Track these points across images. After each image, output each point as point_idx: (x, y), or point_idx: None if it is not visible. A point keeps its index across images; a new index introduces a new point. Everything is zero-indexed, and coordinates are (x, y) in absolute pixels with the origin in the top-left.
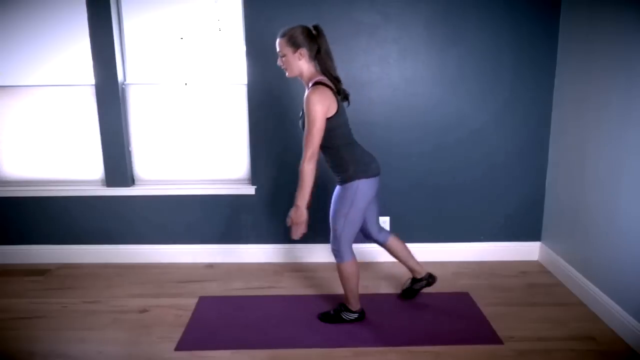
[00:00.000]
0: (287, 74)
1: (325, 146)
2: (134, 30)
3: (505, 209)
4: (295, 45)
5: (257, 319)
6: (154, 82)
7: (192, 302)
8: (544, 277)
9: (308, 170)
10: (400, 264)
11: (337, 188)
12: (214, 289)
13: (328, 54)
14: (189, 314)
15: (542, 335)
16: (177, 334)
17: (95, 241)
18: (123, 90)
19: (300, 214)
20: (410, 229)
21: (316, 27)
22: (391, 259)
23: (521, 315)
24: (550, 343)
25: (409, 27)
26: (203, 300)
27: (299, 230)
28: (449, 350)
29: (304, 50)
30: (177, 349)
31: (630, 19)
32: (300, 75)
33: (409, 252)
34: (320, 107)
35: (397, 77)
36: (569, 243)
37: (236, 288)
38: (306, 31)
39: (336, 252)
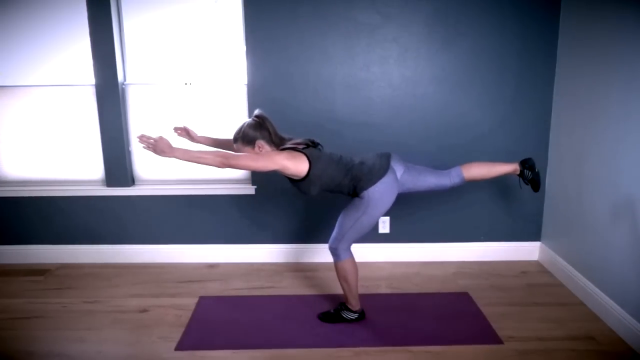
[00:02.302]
0: None
1: (332, 188)
2: (134, 30)
3: (505, 209)
4: (251, 142)
5: (257, 319)
6: (154, 82)
7: (192, 302)
8: (544, 277)
9: (213, 158)
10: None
11: (353, 201)
12: (214, 289)
13: (276, 133)
14: (189, 314)
15: (542, 335)
16: (177, 334)
17: (95, 241)
18: (123, 90)
19: (166, 151)
20: (411, 229)
21: (258, 116)
22: (391, 259)
23: (521, 315)
24: (550, 343)
25: (409, 26)
26: (203, 300)
27: (147, 144)
28: (449, 350)
29: (260, 142)
30: (177, 349)
31: (630, 18)
32: None
33: (488, 164)
34: (274, 162)
35: (397, 77)
36: (569, 243)
37: (236, 288)
38: (253, 124)
39: (333, 251)
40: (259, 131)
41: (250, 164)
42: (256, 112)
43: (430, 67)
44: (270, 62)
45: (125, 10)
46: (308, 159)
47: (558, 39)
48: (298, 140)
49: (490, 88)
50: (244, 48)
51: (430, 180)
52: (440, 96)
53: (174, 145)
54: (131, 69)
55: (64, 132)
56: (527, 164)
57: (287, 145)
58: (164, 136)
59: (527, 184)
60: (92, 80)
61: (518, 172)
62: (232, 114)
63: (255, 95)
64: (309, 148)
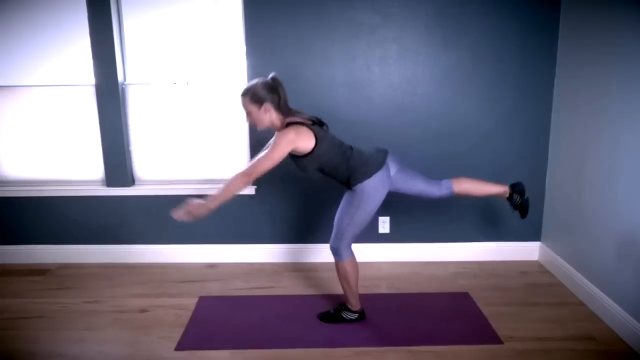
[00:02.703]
0: (257, 127)
1: (328, 171)
2: (134, 30)
3: (506, 209)
4: (259, 101)
5: (257, 319)
6: (154, 82)
7: (192, 302)
8: (544, 277)
9: (236, 184)
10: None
11: (347, 192)
12: (214, 289)
13: (285, 102)
14: (189, 314)
15: (542, 335)
16: (177, 334)
17: (95, 241)
18: (123, 90)
19: (202, 211)
20: (411, 229)
21: (273, 78)
22: (391, 259)
23: (521, 315)
24: (550, 343)
25: (409, 27)
26: (203, 300)
27: (185, 217)
28: (449, 350)
29: (268, 104)
30: (177, 349)
31: (630, 19)
32: (271, 125)
33: (478, 184)
34: (286, 144)
35: (397, 77)
36: (569, 243)
37: (236, 288)
38: (266, 85)
39: (335, 250)
40: (270, 93)
41: (269, 164)
42: (272, 74)
43: (430, 67)
44: (270, 62)
45: (125, 10)
46: (315, 136)
47: (558, 39)
48: (306, 116)
49: (490, 88)
50: (244, 48)
51: (420, 185)
52: (440, 96)
53: (200, 205)
54: (131, 69)
55: (64, 132)
56: (516, 188)
57: (294, 120)
58: (190, 200)
59: (515, 209)
60: (92, 80)
61: (507, 196)
62: (232, 114)
63: None
64: (315, 125)
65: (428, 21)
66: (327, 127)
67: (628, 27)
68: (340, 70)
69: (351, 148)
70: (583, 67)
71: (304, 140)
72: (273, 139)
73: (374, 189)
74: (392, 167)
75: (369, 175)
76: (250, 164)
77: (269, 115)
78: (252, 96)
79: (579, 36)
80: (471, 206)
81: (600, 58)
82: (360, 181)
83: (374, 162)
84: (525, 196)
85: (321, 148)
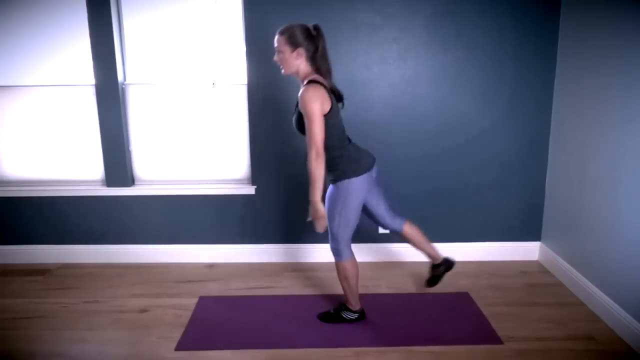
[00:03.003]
0: (282, 71)
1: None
2: (134, 30)
3: (506, 209)
4: (294, 44)
5: (257, 319)
6: (154, 82)
7: (192, 302)
8: (544, 277)
9: (315, 167)
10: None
11: (330, 187)
12: (214, 289)
13: (324, 55)
14: (189, 314)
15: (542, 335)
16: (177, 334)
17: (95, 241)
18: (123, 90)
19: (315, 209)
20: None
21: (316, 27)
22: (391, 259)
23: (521, 315)
24: (550, 343)
25: (409, 27)
26: (203, 300)
27: (320, 224)
28: (449, 350)
29: (301, 50)
30: (177, 349)
31: (629, 19)
32: (296, 73)
33: (424, 238)
34: (316, 104)
35: (397, 77)
36: (569, 243)
37: (236, 288)
38: (306, 31)
39: (335, 251)
40: (307, 41)
41: (321, 131)
42: (316, 24)
43: (430, 68)
44: (270, 62)
45: (125, 11)
46: (331, 105)
47: (558, 39)
48: (330, 83)
49: (490, 88)
50: (244, 48)
51: (381, 207)
52: (440, 96)
53: (311, 208)
54: (131, 69)
55: (64, 132)
56: (448, 263)
57: (319, 79)
58: (311, 214)
59: (429, 274)
60: (92, 80)
61: (436, 262)
62: (232, 114)
63: (255, 95)
64: (334, 96)
65: (428, 21)
66: (342, 105)
67: (628, 27)
68: (341, 70)
69: (349, 140)
70: (583, 67)
71: (323, 104)
72: (300, 103)
73: (359, 188)
74: (373, 174)
75: (358, 173)
76: (309, 146)
77: (299, 62)
78: (288, 37)
79: (578, 36)
80: (471, 206)
81: (600, 58)
82: (348, 177)
83: (365, 163)
84: (444, 273)
85: (329, 120)
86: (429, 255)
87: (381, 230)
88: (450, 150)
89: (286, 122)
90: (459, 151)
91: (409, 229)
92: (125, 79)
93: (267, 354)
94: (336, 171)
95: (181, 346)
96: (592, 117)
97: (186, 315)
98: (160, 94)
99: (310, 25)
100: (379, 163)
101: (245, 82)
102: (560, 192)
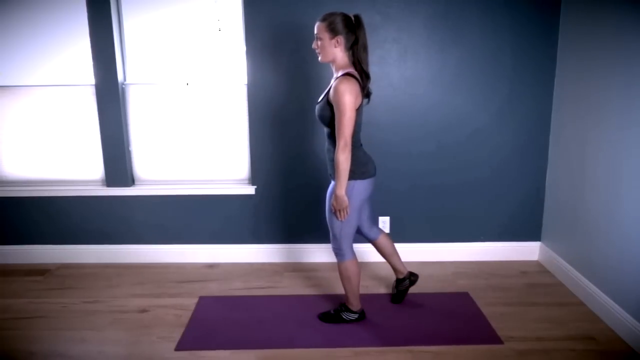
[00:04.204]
0: (319, 58)
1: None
2: (134, 30)
3: (505, 209)
4: (333, 32)
5: (257, 319)
6: (154, 82)
7: (192, 302)
8: (544, 277)
9: (343, 159)
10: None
11: (332, 184)
12: (214, 289)
13: (365, 47)
14: (189, 314)
15: (542, 335)
16: (177, 334)
17: (95, 241)
18: (123, 90)
19: (341, 201)
20: (410, 229)
21: (357, 18)
22: None
23: (521, 315)
24: (550, 343)
25: (409, 27)
26: (203, 300)
27: (343, 214)
28: (449, 350)
29: (341, 39)
30: (177, 349)
31: (630, 18)
32: (333, 62)
33: (394, 251)
34: (349, 97)
35: (397, 77)
36: (569, 243)
37: (236, 288)
38: (347, 20)
39: (337, 251)
40: (347, 29)
41: (351, 123)
42: (357, 14)
43: (430, 67)
44: (270, 62)
45: (125, 11)
46: (361, 104)
47: (558, 40)
48: (366, 77)
49: (490, 88)
50: (244, 48)
51: (365, 214)
52: (440, 96)
53: (334, 200)
54: (131, 69)
55: (64, 132)
56: (412, 277)
57: (354, 73)
58: (331, 203)
59: (395, 289)
60: (92, 80)
61: (402, 277)
62: (232, 114)
63: (255, 95)
64: (364, 92)
65: (427, 21)
66: (368, 101)
67: (628, 27)
68: None
69: (361, 143)
70: (583, 68)
71: (355, 98)
72: (333, 94)
73: (363, 190)
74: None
75: (365, 176)
76: (338, 137)
77: (337, 51)
78: (329, 24)
79: (578, 36)
80: (471, 206)
81: (600, 58)
82: (355, 179)
83: (371, 168)
84: (408, 288)
85: (357, 117)
86: (395, 268)
87: None
88: (450, 150)
89: (286, 122)
90: (458, 151)
91: (382, 240)
92: (125, 79)
93: (267, 354)
94: None
95: (181, 346)
96: (592, 118)
97: (186, 315)
98: (160, 94)
99: (352, 15)
100: (378, 162)
101: (245, 82)
102: (561, 192)
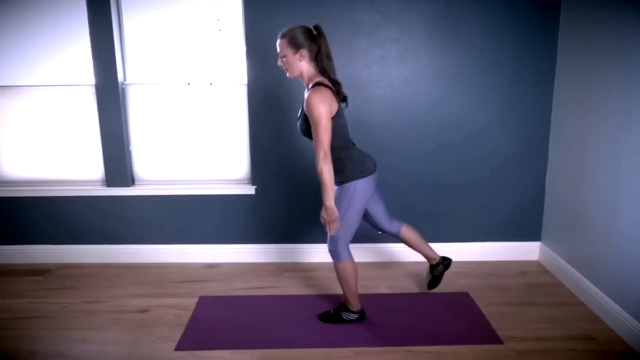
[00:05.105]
0: (287, 74)
1: None
2: (134, 30)
3: (505, 209)
4: (296, 46)
5: (257, 319)
6: (154, 82)
7: (192, 302)
8: (544, 277)
9: (325, 170)
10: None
11: (335, 189)
12: (214, 289)
13: (327, 54)
14: (189, 314)
15: (542, 335)
16: (177, 334)
17: (95, 241)
18: (123, 90)
19: (332, 212)
20: None
21: (317, 28)
22: (390, 259)
23: (521, 315)
24: (550, 343)
25: (409, 27)
26: (203, 300)
27: (333, 226)
28: (449, 350)
29: (304, 51)
30: (177, 348)
31: (630, 18)
32: (301, 75)
33: (421, 240)
34: (322, 107)
35: (397, 77)
36: (569, 243)
37: (236, 288)
38: (307, 32)
39: (333, 253)
40: (309, 41)
41: (327, 133)
42: (317, 24)
43: (430, 67)
44: (270, 62)
45: (125, 10)
46: (338, 107)
47: (557, 40)
48: (336, 83)
49: (490, 88)
50: (244, 48)
51: (380, 211)
52: (440, 96)
53: (324, 212)
54: (131, 69)
55: (64, 132)
56: (445, 262)
57: (324, 82)
58: (321, 216)
59: (429, 276)
60: (92, 80)
61: (434, 263)
62: (232, 114)
63: (255, 95)
64: (338, 97)
65: (427, 21)
66: (346, 105)
67: (628, 27)
68: (340, 70)
69: (353, 143)
70: (583, 67)
71: (330, 107)
72: (305, 105)
73: (365, 190)
74: (376, 177)
75: (364, 175)
76: (316, 148)
77: (303, 64)
78: (290, 39)
79: (578, 36)
80: (471, 206)
81: (600, 58)
82: (357, 178)
83: (370, 165)
84: (445, 271)
85: (336, 122)
86: (426, 256)
87: None
88: (451, 150)
89: (287, 122)
90: (458, 151)
91: (406, 231)
92: (125, 79)
93: (267, 354)
94: (342, 173)
95: (181, 346)
96: (592, 117)
97: (186, 315)
98: (160, 94)
99: (311, 25)
100: (378, 163)
101: (245, 82)
102: (561, 192)
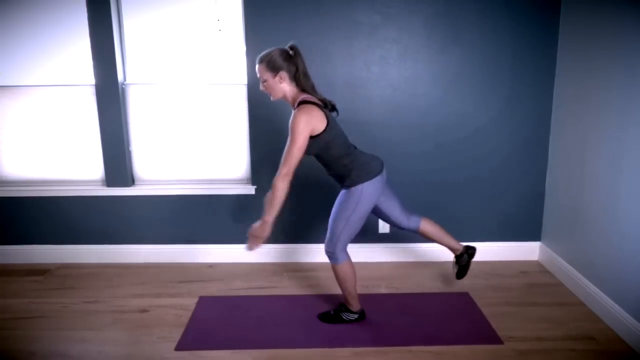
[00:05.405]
0: (271, 98)
1: (326, 160)
2: (134, 30)
3: (505, 209)
4: (274, 69)
5: (257, 319)
6: (154, 82)
7: (192, 302)
8: (544, 277)
9: (281, 187)
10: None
11: (342, 192)
12: (214, 289)
13: (304, 73)
14: (189, 314)
15: (542, 335)
16: (177, 334)
17: (95, 241)
18: (123, 90)
19: (264, 228)
20: None
21: (292, 48)
22: (391, 259)
23: (521, 315)
24: (550, 343)
25: (409, 27)
26: (203, 300)
27: (256, 244)
28: (449, 350)
29: (283, 73)
30: (177, 348)
31: (630, 18)
32: (285, 97)
33: (443, 232)
34: (304, 126)
35: (397, 77)
36: (569, 243)
37: (236, 288)
38: (284, 53)
39: (330, 254)
40: (287, 62)
41: (299, 154)
42: (292, 43)
43: (430, 67)
44: None
45: (125, 10)
46: (327, 120)
47: (558, 39)
48: (320, 97)
49: (490, 88)
50: (244, 48)
51: (395, 209)
52: (440, 96)
53: (260, 225)
54: (131, 69)
55: (64, 132)
56: (469, 251)
57: (308, 99)
58: (251, 229)
59: (456, 266)
60: (92, 80)
61: (458, 253)
62: (232, 114)
63: (255, 95)
64: (327, 109)
65: (427, 21)
66: (337, 114)
67: (628, 27)
68: (341, 70)
69: (354, 147)
70: (583, 67)
71: (316, 122)
72: (290, 122)
73: (373, 192)
74: (384, 177)
75: (370, 177)
76: (283, 163)
77: (284, 86)
78: (268, 63)
79: (578, 36)
80: (471, 206)
81: (600, 57)
82: (362, 181)
83: (375, 166)
84: (471, 260)
85: (329, 134)
86: (449, 247)
87: (381, 230)
88: (451, 150)
89: (286, 122)
90: (458, 151)
91: (426, 225)
92: (125, 79)
93: (267, 354)
94: (349, 178)
95: (181, 346)
96: (592, 118)
97: (186, 315)
98: (160, 94)
99: (287, 46)
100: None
101: (245, 82)
102: (561, 192)
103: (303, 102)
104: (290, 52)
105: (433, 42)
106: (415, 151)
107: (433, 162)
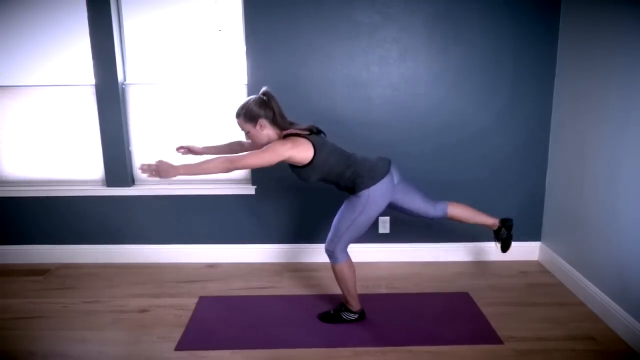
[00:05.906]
0: (258, 145)
1: (330, 180)
2: (134, 30)
3: (505, 209)
4: (253, 119)
5: (257, 319)
6: (154, 82)
7: (192, 302)
8: (544, 277)
9: (217, 164)
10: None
11: (351, 195)
12: (214, 289)
13: (281, 114)
14: (189, 314)
15: (542, 335)
16: (177, 334)
17: (95, 241)
18: (123, 90)
19: (170, 172)
20: (410, 229)
21: (265, 93)
22: (391, 259)
23: (521, 315)
24: (550, 343)
25: (409, 27)
26: (203, 300)
27: (152, 173)
28: (449, 350)
29: (263, 121)
30: (177, 349)
31: (630, 19)
32: (270, 141)
33: (473, 212)
34: (284, 151)
35: (397, 77)
36: (569, 243)
37: (236, 288)
38: (258, 101)
39: (330, 254)
40: (263, 109)
41: (256, 162)
42: (263, 89)
43: (430, 67)
44: (270, 62)
45: (125, 10)
46: (313, 145)
47: (558, 39)
48: (302, 126)
49: (490, 88)
50: (244, 48)
51: (417, 201)
52: (440, 96)
53: (176, 163)
54: (131, 69)
55: (64, 132)
56: (506, 224)
57: (291, 131)
58: (163, 159)
59: (498, 242)
60: (92, 80)
61: (495, 228)
62: (232, 114)
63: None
64: (313, 135)
65: (428, 21)
66: (324, 134)
67: (628, 27)
68: (341, 70)
69: (354, 155)
70: (583, 68)
71: (301, 152)
72: (272, 143)
73: (381, 194)
74: (395, 176)
75: (376, 180)
76: (246, 159)
77: (267, 131)
78: (245, 115)
79: (578, 36)
80: (471, 206)
81: (600, 58)
82: (368, 186)
83: (381, 168)
84: (512, 232)
85: (320, 157)
86: (485, 225)
87: (381, 230)
88: (451, 150)
89: None
90: (459, 151)
91: (454, 210)
92: (125, 79)
93: (267, 354)
94: (355, 186)
95: (181, 346)
96: (592, 117)
97: (186, 315)
98: (160, 94)
99: (259, 93)
100: None
101: (245, 82)
102: (560, 192)
103: (287, 136)
104: (264, 98)
105: (433, 42)
106: (415, 151)
107: (433, 162)
